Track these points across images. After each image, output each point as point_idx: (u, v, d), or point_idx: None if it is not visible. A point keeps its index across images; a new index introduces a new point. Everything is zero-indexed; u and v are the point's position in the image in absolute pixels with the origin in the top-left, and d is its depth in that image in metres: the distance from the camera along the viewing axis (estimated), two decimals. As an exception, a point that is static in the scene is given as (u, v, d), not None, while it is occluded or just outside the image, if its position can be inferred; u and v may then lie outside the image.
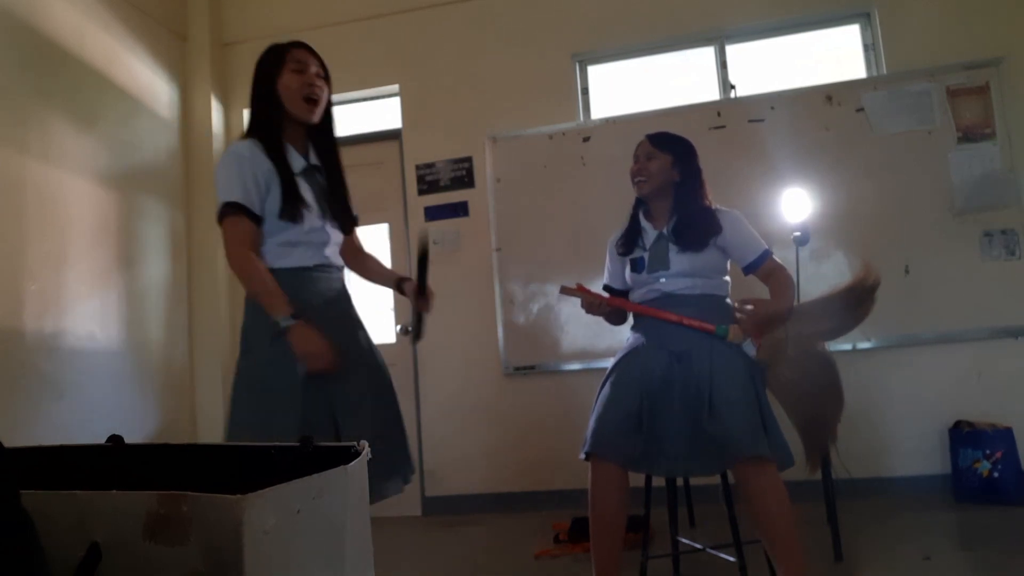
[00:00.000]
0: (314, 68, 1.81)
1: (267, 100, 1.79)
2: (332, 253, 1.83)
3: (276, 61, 1.79)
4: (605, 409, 1.95)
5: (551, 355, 3.69)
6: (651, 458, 1.90)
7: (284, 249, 1.74)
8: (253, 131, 1.79)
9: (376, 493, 1.65)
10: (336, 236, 1.85)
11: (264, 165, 1.72)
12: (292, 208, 1.72)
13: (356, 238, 2.01)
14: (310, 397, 1.65)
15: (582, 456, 1.98)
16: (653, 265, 2.08)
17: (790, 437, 1.93)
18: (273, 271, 1.71)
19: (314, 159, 1.85)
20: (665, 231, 2.10)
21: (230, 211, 1.69)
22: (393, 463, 1.77)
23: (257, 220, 1.71)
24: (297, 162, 1.79)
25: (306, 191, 1.77)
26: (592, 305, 2.10)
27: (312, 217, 1.76)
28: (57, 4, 3.23)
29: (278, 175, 1.73)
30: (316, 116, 1.81)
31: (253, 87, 1.82)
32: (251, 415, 1.67)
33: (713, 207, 2.13)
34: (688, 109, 3.68)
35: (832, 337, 2.07)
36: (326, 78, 1.85)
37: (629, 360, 2.02)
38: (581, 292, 2.11)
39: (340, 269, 1.88)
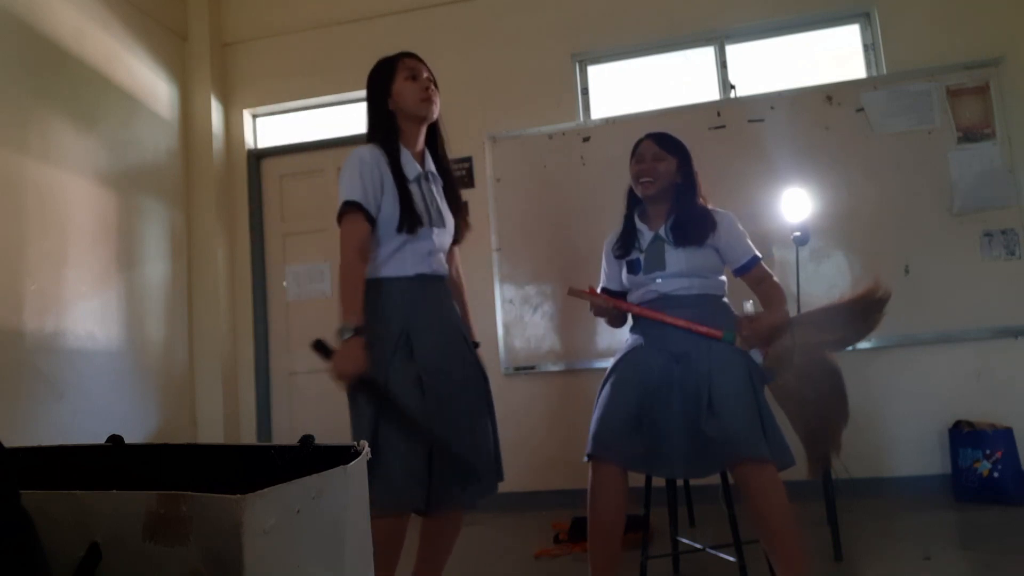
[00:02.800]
0: (425, 73, 1.90)
1: (382, 109, 1.88)
2: (437, 262, 1.87)
3: (388, 71, 1.88)
4: (605, 411, 1.95)
5: (551, 355, 3.69)
6: (652, 459, 1.90)
7: (393, 257, 1.80)
8: (372, 138, 1.88)
9: (452, 499, 1.74)
10: (443, 244, 1.90)
11: (383, 170, 1.79)
12: (409, 219, 1.78)
13: (454, 252, 2.04)
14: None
15: (585, 459, 1.98)
16: (649, 266, 2.08)
17: (792, 439, 1.93)
18: (381, 280, 1.78)
19: (430, 166, 1.92)
20: (661, 232, 2.10)
21: (348, 209, 1.76)
22: (474, 473, 1.80)
23: (372, 221, 1.77)
24: (412, 169, 1.85)
25: (418, 199, 1.82)
26: (600, 308, 2.11)
27: (423, 227, 1.81)
28: (57, 4, 3.23)
29: (395, 184, 1.79)
30: (434, 113, 1.89)
31: (369, 99, 1.91)
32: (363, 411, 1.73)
33: (708, 207, 2.14)
34: (688, 109, 3.68)
35: (840, 347, 2.07)
36: (435, 84, 1.93)
37: (628, 361, 2.02)
38: (590, 295, 2.12)
39: (444, 279, 1.91)
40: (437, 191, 1.91)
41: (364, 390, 1.70)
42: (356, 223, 1.75)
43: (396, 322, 1.76)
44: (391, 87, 1.87)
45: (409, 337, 1.75)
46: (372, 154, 1.80)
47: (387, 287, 1.79)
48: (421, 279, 1.82)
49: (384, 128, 1.87)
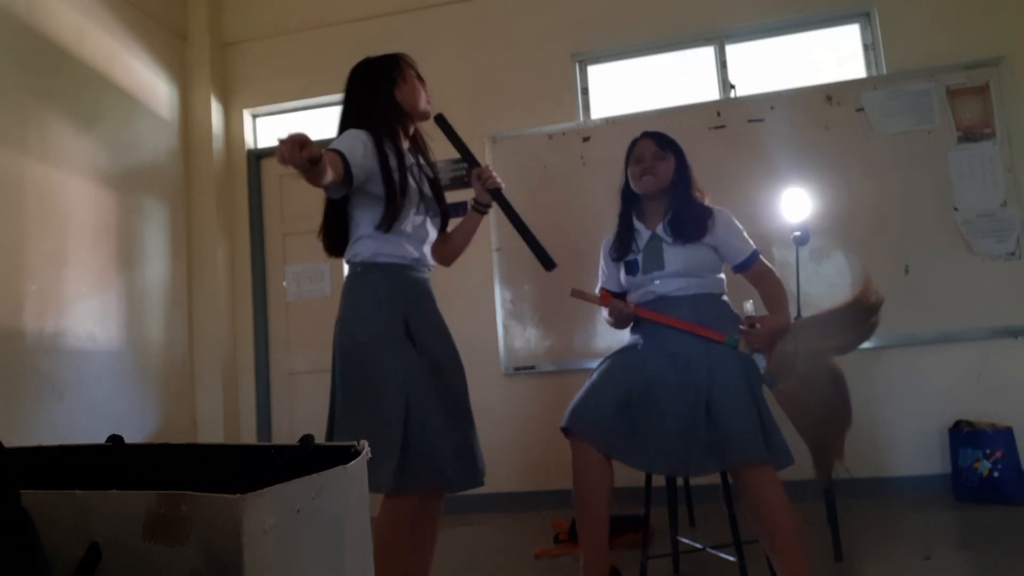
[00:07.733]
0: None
1: (389, 97, 1.87)
2: (428, 252, 1.92)
3: (394, 64, 1.90)
4: (589, 391, 1.98)
5: (551, 355, 3.69)
6: (635, 450, 1.89)
7: (387, 240, 1.78)
8: (370, 126, 1.81)
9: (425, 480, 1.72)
10: (433, 234, 1.94)
11: (376, 157, 1.77)
12: (401, 198, 1.77)
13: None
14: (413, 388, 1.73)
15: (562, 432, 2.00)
16: (648, 266, 2.08)
17: (793, 439, 1.93)
18: (375, 265, 1.78)
19: (420, 161, 1.97)
20: (658, 230, 2.11)
21: (331, 151, 1.66)
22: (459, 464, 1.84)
23: (349, 182, 1.69)
24: (407, 159, 1.88)
25: (415, 187, 1.84)
26: (619, 314, 2.13)
27: (419, 211, 1.84)
28: (57, 4, 3.23)
29: (396, 162, 1.78)
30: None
31: (367, 88, 1.88)
32: (359, 406, 1.73)
33: (705, 204, 2.14)
34: (688, 109, 3.68)
35: (843, 352, 2.07)
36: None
37: (624, 354, 2.04)
38: (601, 300, 2.15)
39: (430, 269, 1.95)
40: (427, 185, 1.94)
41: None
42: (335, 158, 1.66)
43: (397, 308, 1.77)
44: (399, 80, 1.88)
45: (408, 325, 1.77)
46: (368, 138, 1.77)
47: (387, 272, 1.80)
48: (419, 267, 1.87)
49: (390, 115, 1.86)
